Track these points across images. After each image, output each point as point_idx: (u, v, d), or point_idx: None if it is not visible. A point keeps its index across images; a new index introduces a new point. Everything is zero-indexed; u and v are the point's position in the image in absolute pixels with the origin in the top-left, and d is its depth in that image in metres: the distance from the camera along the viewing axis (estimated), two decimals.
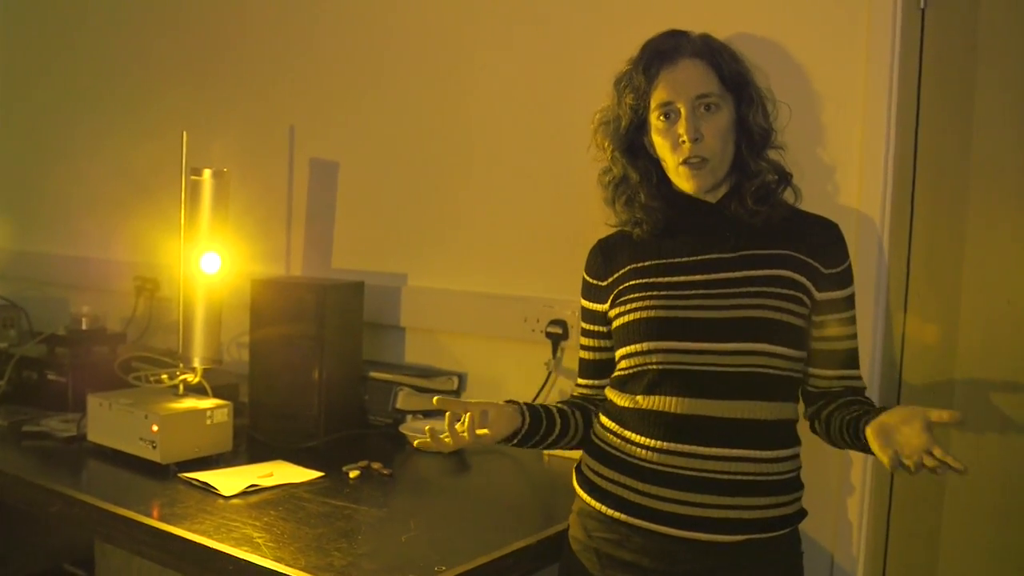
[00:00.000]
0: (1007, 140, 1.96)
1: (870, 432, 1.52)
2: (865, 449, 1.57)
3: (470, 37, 2.60)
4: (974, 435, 1.99)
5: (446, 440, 1.66)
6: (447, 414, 1.65)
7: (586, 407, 1.82)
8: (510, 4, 2.53)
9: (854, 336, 1.73)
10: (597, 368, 1.83)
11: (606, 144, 1.75)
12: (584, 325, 1.84)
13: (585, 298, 1.83)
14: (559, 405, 1.81)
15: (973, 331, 2.00)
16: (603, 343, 1.80)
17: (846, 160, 2.04)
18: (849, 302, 1.72)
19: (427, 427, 1.68)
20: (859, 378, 1.75)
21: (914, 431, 1.46)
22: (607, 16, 2.35)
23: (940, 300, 2.03)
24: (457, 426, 1.65)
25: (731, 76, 1.67)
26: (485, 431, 1.67)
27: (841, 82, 2.04)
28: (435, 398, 1.66)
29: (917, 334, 2.05)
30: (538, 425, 1.75)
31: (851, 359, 1.73)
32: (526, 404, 1.77)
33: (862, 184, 2.02)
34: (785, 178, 1.72)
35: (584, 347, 1.85)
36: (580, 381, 1.87)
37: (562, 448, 1.81)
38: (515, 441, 1.74)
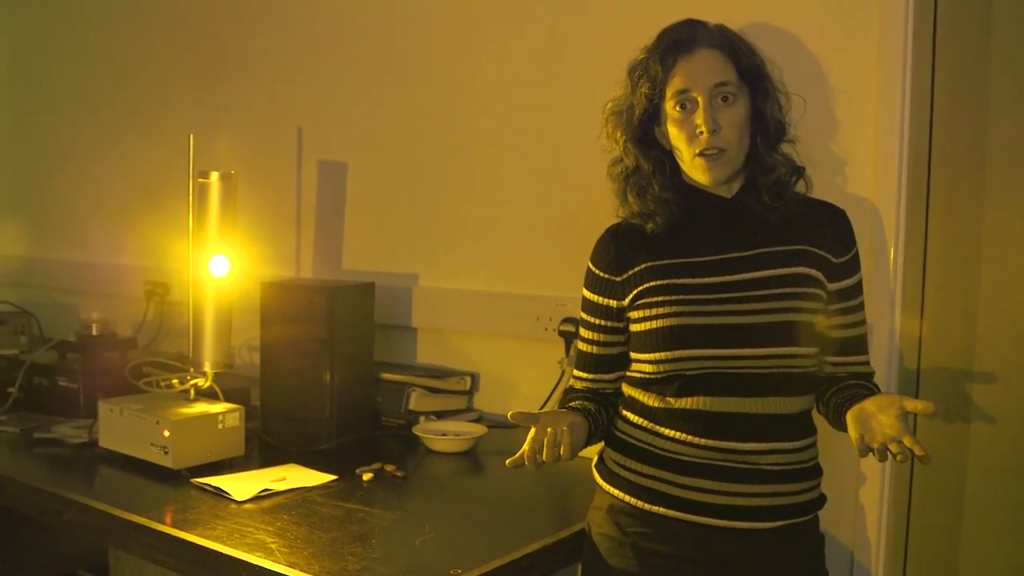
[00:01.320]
0: (1022, 132, 1.94)
1: (849, 417, 1.56)
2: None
3: (477, 37, 2.59)
4: (994, 430, 1.97)
5: (541, 459, 1.57)
6: (532, 431, 1.58)
7: (601, 399, 1.79)
8: (518, 4, 2.51)
9: (861, 322, 1.74)
10: (600, 362, 1.79)
11: (618, 134, 1.73)
12: (587, 318, 1.79)
13: (592, 290, 1.77)
14: (585, 404, 1.76)
15: (991, 326, 1.98)
16: (609, 338, 1.77)
17: (860, 153, 2.03)
18: (856, 289, 1.73)
19: (525, 449, 1.57)
20: (865, 363, 1.76)
21: (889, 419, 1.49)
22: (615, 12, 2.33)
23: (957, 294, 2.01)
24: (561, 451, 1.57)
25: (748, 68, 1.65)
26: (572, 444, 1.60)
27: (854, 74, 2.02)
28: (510, 414, 1.58)
29: (934, 328, 2.02)
30: (595, 429, 1.72)
31: (857, 345, 1.74)
32: (572, 409, 1.72)
33: (876, 177, 2.00)
34: (798, 171, 1.71)
35: (587, 340, 1.80)
36: (581, 374, 1.82)
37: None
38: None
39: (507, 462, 1.58)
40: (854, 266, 1.72)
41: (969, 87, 1.98)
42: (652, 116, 1.69)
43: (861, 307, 1.73)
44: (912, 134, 1.98)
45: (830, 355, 1.72)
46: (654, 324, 1.66)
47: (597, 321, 1.77)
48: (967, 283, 2.00)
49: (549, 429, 1.58)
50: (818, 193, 1.76)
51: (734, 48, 1.66)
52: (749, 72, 1.66)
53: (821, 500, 1.72)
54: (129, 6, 3.41)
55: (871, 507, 2.03)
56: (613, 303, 1.74)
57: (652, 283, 1.68)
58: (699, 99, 1.63)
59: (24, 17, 3.78)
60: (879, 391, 1.69)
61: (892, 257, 1.99)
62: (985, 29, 1.96)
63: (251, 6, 3.06)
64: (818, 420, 1.72)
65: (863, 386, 1.69)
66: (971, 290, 1.99)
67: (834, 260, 1.69)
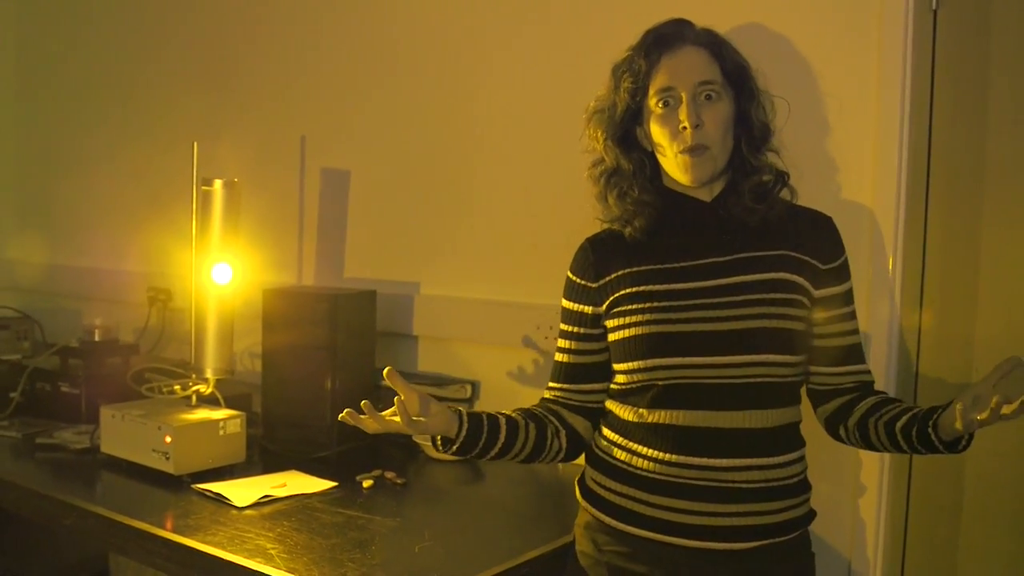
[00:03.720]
0: (1022, 138, 1.95)
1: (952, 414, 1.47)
2: (927, 446, 1.55)
3: (480, 47, 2.60)
4: (991, 439, 1.98)
5: (369, 422, 1.57)
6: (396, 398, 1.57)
7: (545, 417, 1.74)
8: (519, 15, 2.52)
9: (856, 331, 1.71)
10: (570, 372, 1.76)
11: (599, 133, 1.70)
12: (563, 326, 1.77)
13: (568, 298, 1.76)
14: (514, 415, 1.72)
15: (990, 332, 1.98)
16: (581, 345, 1.74)
17: (859, 159, 2.03)
18: (849, 296, 1.70)
19: (364, 404, 1.59)
20: (868, 372, 1.72)
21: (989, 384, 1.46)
22: (617, 29, 2.32)
23: (956, 301, 2.01)
24: (389, 412, 1.57)
25: (733, 69, 1.64)
26: (421, 419, 1.58)
27: (854, 82, 2.03)
28: (386, 369, 1.59)
29: (933, 335, 2.03)
30: (476, 438, 1.66)
31: (858, 353, 1.71)
32: (470, 414, 1.67)
33: (875, 183, 2.01)
34: (782, 178, 1.69)
35: (560, 349, 1.77)
36: (551, 384, 1.79)
37: (515, 461, 1.73)
38: (453, 449, 1.65)
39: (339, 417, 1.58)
40: (844, 273, 1.69)
41: (969, 92, 1.99)
42: (634, 115, 1.67)
43: (855, 315, 1.71)
44: (911, 139, 1.98)
45: (829, 365, 1.69)
46: (628, 332, 1.64)
47: (571, 328, 1.75)
48: (966, 290, 2.00)
49: (408, 399, 1.56)
50: (815, 199, 1.75)
51: (720, 47, 1.64)
52: (735, 73, 1.64)
53: (807, 517, 1.67)
54: (134, 15, 3.42)
55: (869, 517, 2.03)
56: (588, 309, 1.72)
57: (627, 290, 1.66)
58: (683, 95, 1.60)
59: (30, 26, 3.80)
60: (911, 405, 1.62)
61: (891, 263, 2.00)
62: (984, 37, 1.97)
63: (256, 16, 3.08)
64: (808, 434, 1.70)
65: (896, 400, 1.64)
66: (970, 297, 2.00)
67: (821, 266, 1.65)
